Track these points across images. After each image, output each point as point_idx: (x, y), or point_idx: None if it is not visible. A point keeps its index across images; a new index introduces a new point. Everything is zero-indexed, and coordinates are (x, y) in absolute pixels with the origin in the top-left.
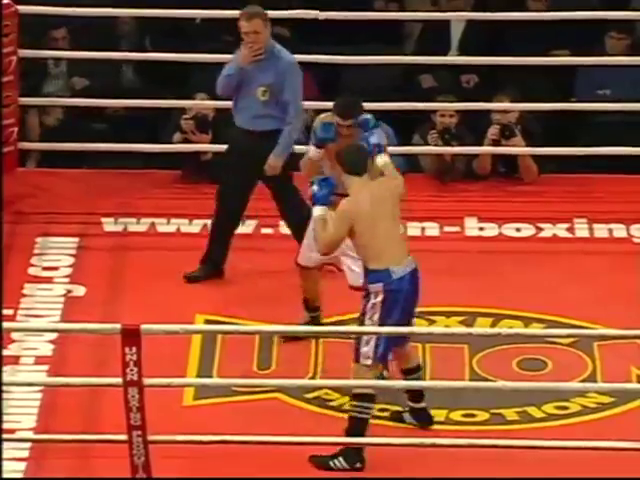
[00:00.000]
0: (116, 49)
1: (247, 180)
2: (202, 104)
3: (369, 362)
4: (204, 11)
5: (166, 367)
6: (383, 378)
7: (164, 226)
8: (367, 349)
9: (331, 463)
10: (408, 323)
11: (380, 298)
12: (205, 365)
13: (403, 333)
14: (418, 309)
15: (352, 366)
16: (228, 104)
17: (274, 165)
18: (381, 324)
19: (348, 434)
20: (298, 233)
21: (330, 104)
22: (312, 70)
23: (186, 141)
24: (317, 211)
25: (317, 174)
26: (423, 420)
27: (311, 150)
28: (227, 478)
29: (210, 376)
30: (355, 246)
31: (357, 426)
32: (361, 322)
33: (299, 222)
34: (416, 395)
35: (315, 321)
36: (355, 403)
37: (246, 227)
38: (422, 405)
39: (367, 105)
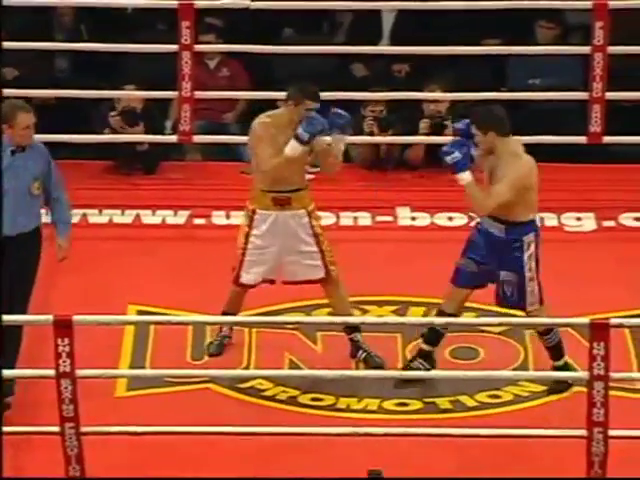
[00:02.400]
0: (50, 39)
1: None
2: (131, 94)
3: (537, 306)
4: (137, 0)
5: (99, 358)
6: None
7: (96, 217)
8: (533, 298)
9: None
10: None
11: (533, 246)
12: (138, 356)
13: (335, 323)
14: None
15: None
16: (158, 94)
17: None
18: (537, 269)
19: (557, 357)
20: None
21: (263, 94)
22: (245, 60)
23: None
24: (467, 176)
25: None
26: (432, 364)
27: (293, 148)
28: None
29: (143, 367)
30: (511, 203)
31: (558, 347)
32: (520, 275)
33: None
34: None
35: (230, 333)
36: (545, 338)
37: (179, 217)
38: (434, 349)
39: None
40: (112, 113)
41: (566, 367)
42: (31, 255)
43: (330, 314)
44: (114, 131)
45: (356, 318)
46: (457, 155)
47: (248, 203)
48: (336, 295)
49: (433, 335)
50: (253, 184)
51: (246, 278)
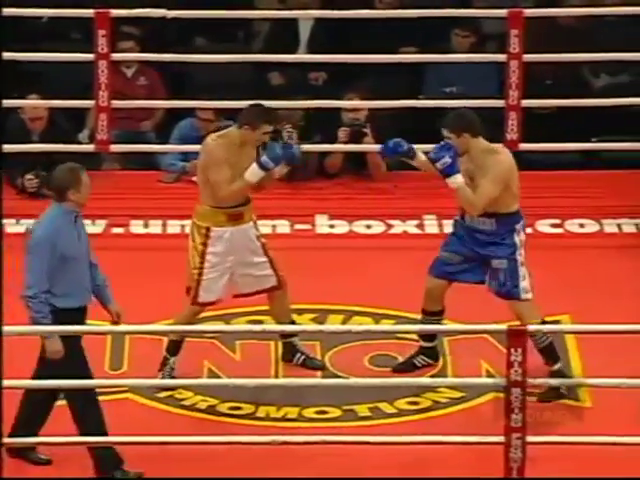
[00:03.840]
0: None
1: None
2: (50, 104)
3: (530, 295)
4: (52, 10)
5: (18, 369)
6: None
7: (13, 226)
8: (526, 283)
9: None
10: None
11: (523, 234)
12: None
13: (253, 330)
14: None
15: (515, 306)
16: (74, 103)
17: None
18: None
19: (552, 361)
20: None
21: (181, 103)
22: (161, 69)
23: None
24: (459, 179)
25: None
26: (435, 358)
27: (254, 175)
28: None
29: None
30: (498, 196)
31: (551, 350)
32: (512, 260)
33: None
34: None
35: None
36: (537, 337)
37: (96, 227)
38: (434, 344)
39: (217, 104)
40: (28, 176)
41: (563, 373)
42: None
43: (276, 319)
44: (26, 193)
45: (275, 326)
46: (447, 160)
47: (197, 220)
48: (283, 301)
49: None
50: (201, 200)
51: (205, 297)
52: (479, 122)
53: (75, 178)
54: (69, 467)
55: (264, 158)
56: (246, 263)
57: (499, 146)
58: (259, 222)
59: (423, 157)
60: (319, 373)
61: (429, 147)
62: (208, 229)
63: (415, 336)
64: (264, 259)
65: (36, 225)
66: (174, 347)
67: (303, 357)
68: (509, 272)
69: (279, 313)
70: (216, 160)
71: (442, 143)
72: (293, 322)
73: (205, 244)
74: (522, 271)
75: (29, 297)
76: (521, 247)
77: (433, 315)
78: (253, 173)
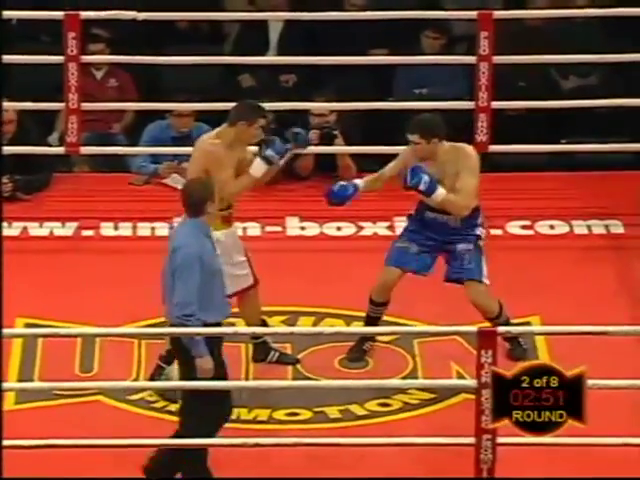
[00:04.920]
0: None
1: None
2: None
3: (488, 282)
4: (21, 12)
5: None
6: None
7: None
8: (486, 270)
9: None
10: None
11: (483, 228)
12: (26, 369)
13: (225, 334)
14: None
15: (475, 288)
16: (45, 105)
17: None
18: None
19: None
20: None
21: (151, 105)
22: (132, 71)
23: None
24: (441, 191)
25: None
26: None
27: (260, 169)
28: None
29: (31, 380)
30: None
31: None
32: (478, 247)
33: None
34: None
35: None
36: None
37: (66, 229)
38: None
39: (188, 106)
40: (4, 180)
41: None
42: None
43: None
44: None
45: (245, 328)
46: (426, 178)
47: None
48: (254, 301)
49: (369, 322)
50: None
51: None
52: (444, 124)
53: (210, 190)
54: None
55: (269, 152)
56: (233, 263)
57: (459, 144)
58: None
59: (362, 183)
60: (290, 375)
61: (400, 149)
62: None
63: (385, 338)
64: (244, 258)
65: (176, 243)
66: (170, 356)
67: (277, 354)
68: (474, 255)
69: (250, 314)
70: (219, 160)
71: (413, 166)
72: (264, 321)
73: None
74: (484, 259)
75: (186, 316)
76: (484, 239)
77: (379, 305)
78: (259, 168)
